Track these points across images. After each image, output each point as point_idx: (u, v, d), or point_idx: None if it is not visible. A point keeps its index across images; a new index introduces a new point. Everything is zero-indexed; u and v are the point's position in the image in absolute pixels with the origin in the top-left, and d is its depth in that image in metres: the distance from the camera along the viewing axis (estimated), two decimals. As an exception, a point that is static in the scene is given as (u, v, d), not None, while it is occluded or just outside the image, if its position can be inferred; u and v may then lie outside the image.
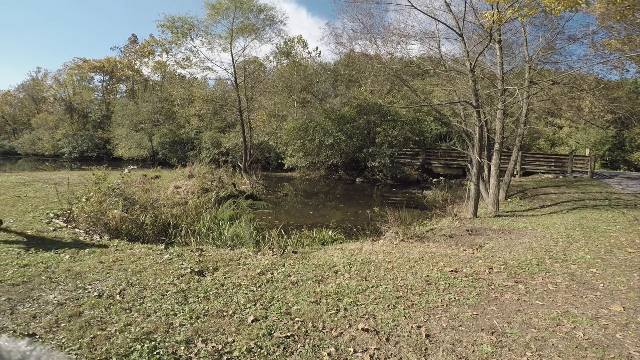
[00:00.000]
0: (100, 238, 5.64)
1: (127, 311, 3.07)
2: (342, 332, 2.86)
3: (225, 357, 2.48)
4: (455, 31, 8.65)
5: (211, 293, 3.53)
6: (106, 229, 6.06)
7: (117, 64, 40.26)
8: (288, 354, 2.55)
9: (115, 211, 6.57)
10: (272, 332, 2.82)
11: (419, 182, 18.53)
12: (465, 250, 5.43)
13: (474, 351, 2.61)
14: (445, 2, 8.67)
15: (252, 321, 2.97)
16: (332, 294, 3.60)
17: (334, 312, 3.21)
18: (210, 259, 4.63)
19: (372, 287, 3.78)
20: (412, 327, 2.95)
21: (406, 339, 2.78)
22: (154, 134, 28.36)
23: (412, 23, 25.04)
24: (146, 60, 39.52)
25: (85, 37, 75.18)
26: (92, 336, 2.64)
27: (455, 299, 3.53)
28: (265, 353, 2.54)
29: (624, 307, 3.30)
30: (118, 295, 3.38)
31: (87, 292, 3.44)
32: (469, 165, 10.14)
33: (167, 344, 2.59)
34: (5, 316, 2.90)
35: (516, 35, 10.89)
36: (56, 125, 37.80)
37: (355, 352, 2.60)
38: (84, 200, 6.83)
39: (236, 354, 2.51)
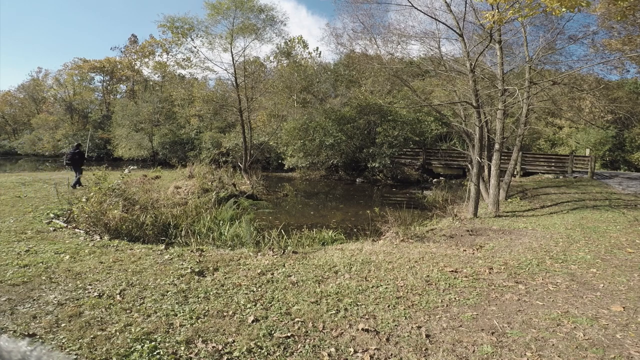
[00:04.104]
0: (100, 238, 5.64)
1: (127, 311, 3.07)
2: (342, 332, 2.86)
3: (225, 357, 2.48)
4: (455, 31, 8.65)
5: (211, 293, 3.53)
6: (106, 229, 6.06)
7: (117, 64, 40.24)
8: (288, 354, 2.55)
9: (115, 211, 6.57)
10: (272, 332, 2.82)
11: (419, 182, 18.52)
12: (465, 250, 5.43)
13: (474, 351, 2.61)
14: (445, 2, 8.67)
15: (252, 321, 2.97)
16: (332, 294, 3.60)
17: (334, 312, 3.21)
18: (210, 259, 4.62)
19: (372, 287, 3.78)
20: (412, 327, 2.95)
21: (406, 339, 2.78)
22: (154, 134, 28.33)
23: (412, 23, 25.07)
24: (146, 60, 39.53)
25: (85, 37, 75.30)
26: (92, 336, 2.64)
27: (455, 299, 3.53)
28: (265, 353, 2.54)
29: (624, 307, 3.30)
30: (118, 295, 3.37)
31: (87, 292, 3.44)
32: (469, 165, 10.14)
33: (167, 344, 2.59)
34: (5, 316, 2.90)
35: (516, 35, 10.90)
36: (56, 125, 37.77)
37: (355, 352, 2.60)
38: (84, 200, 6.83)
39: (236, 354, 2.51)
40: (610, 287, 3.81)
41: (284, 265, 4.46)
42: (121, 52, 41.54)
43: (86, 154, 12.26)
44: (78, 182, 10.46)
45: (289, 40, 25.45)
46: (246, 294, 3.55)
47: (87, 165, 11.22)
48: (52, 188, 9.56)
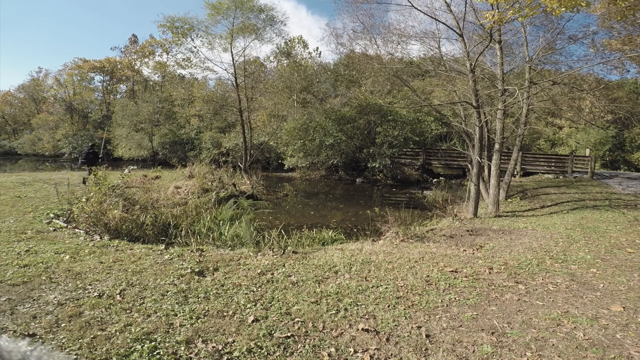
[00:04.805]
0: (100, 238, 5.64)
1: (127, 311, 3.07)
2: (342, 332, 2.86)
3: (225, 357, 2.48)
4: (455, 31, 8.65)
5: (211, 293, 3.53)
6: (106, 229, 6.06)
7: (117, 64, 40.24)
8: (288, 354, 2.55)
9: (115, 211, 6.57)
10: (272, 332, 2.82)
11: (419, 182, 18.52)
12: (465, 250, 5.43)
13: (474, 351, 2.61)
14: (445, 2, 8.67)
15: (252, 321, 2.97)
16: (332, 294, 3.60)
17: (334, 312, 3.21)
18: (210, 259, 4.62)
19: (372, 287, 3.78)
20: (412, 327, 2.95)
21: (406, 339, 2.78)
22: (154, 134, 28.33)
23: (412, 23, 25.05)
24: (146, 60, 39.53)
25: (85, 37, 75.30)
26: (92, 336, 2.64)
27: (455, 299, 3.53)
28: (265, 353, 2.54)
29: (624, 307, 3.30)
30: (118, 295, 3.37)
31: (87, 292, 3.44)
32: (469, 165, 10.14)
33: (167, 344, 2.59)
34: (5, 316, 2.90)
35: (516, 35, 10.90)
36: (56, 125, 37.77)
37: (355, 352, 2.60)
38: (84, 200, 6.83)
39: (236, 354, 2.51)
40: (610, 287, 3.81)
41: (284, 265, 4.46)
42: (121, 52, 41.56)
43: (101, 153, 13.71)
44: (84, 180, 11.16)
45: (289, 40, 25.44)
46: (246, 294, 3.55)
47: (87, 166, 11.36)
48: (52, 188, 9.56)
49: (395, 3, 9.88)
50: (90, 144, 12.48)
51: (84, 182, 10.99)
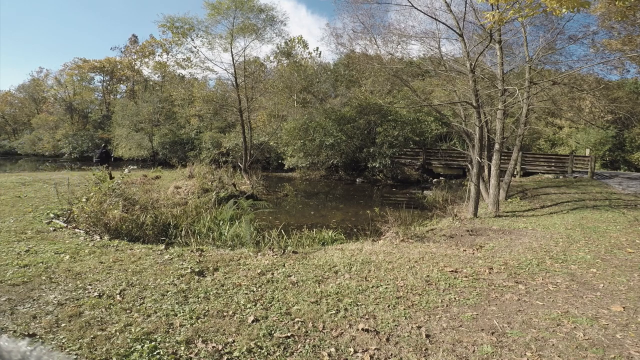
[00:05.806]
0: (100, 238, 5.64)
1: (127, 311, 3.07)
2: (342, 332, 2.86)
3: (225, 357, 2.48)
4: (455, 31, 8.65)
5: (211, 293, 3.53)
6: (106, 229, 6.06)
7: (117, 64, 40.23)
8: (288, 354, 2.55)
9: (115, 211, 6.57)
10: (272, 332, 2.82)
11: (419, 182, 18.52)
12: (465, 250, 5.43)
13: (474, 351, 2.61)
14: (445, 2, 8.67)
15: (252, 321, 2.97)
16: (332, 294, 3.60)
17: (334, 312, 3.21)
18: (210, 259, 4.62)
19: (372, 287, 3.78)
20: (412, 327, 2.95)
21: (406, 339, 2.78)
22: (154, 134, 28.33)
23: (412, 23, 25.07)
24: (146, 60, 39.51)
25: (85, 37, 75.25)
26: (92, 336, 2.64)
27: (455, 299, 3.53)
28: (265, 353, 2.54)
29: (624, 307, 3.30)
30: (118, 295, 3.37)
31: (87, 292, 3.44)
32: (469, 165, 10.14)
33: (167, 344, 2.59)
34: (5, 316, 2.90)
35: (516, 35, 10.90)
36: (56, 125, 37.76)
37: (355, 352, 2.60)
38: (84, 200, 6.83)
39: (236, 354, 2.51)
40: (610, 287, 3.81)
41: (284, 265, 4.46)
42: (121, 52, 41.55)
43: (113, 153, 15.75)
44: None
45: (289, 40, 25.44)
46: (246, 294, 3.55)
47: (87, 165, 11.49)
48: (52, 188, 9.56)
49: (395, 3, 9.89)
50: (103, 145, 14.74)
51: (110, 178, 11.60)
